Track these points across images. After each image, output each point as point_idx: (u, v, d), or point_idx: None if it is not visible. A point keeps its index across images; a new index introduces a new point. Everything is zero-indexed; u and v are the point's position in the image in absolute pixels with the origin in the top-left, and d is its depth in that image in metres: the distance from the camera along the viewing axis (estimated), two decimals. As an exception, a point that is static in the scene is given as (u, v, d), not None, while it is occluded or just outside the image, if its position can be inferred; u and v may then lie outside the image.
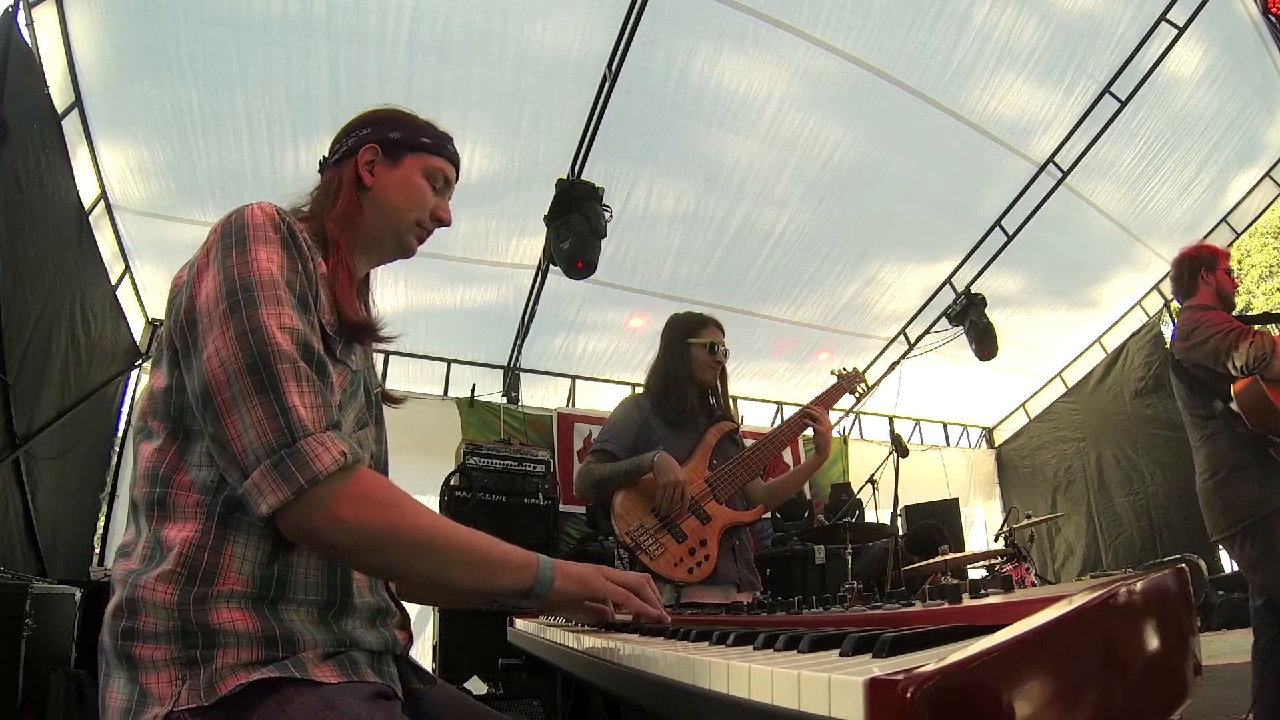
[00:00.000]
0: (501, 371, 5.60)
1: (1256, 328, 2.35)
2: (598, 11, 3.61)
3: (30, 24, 2.91)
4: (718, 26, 3.79)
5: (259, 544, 0.86)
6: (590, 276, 4.12)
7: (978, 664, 0.39)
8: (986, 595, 0.65)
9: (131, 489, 0.92)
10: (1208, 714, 2.67)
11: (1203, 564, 4.97)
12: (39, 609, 2.33)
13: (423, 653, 4.25)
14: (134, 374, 4.48)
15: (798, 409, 2.35)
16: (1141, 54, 4.40)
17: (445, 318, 5.12)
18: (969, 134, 4.63)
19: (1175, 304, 6.26)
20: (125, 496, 4.35)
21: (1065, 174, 4.95)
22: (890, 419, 6.78)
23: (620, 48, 3.68)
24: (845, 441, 6.66)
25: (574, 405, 5.84)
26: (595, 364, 5.85)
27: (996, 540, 4.54)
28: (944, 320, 5.80)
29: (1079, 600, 0.46)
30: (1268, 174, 5.67)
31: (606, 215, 3.95)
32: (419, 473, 4.43)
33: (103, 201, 3.84)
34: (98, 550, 4.29)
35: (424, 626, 4.31)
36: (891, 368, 6.28)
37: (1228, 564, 5.43)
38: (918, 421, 7.39)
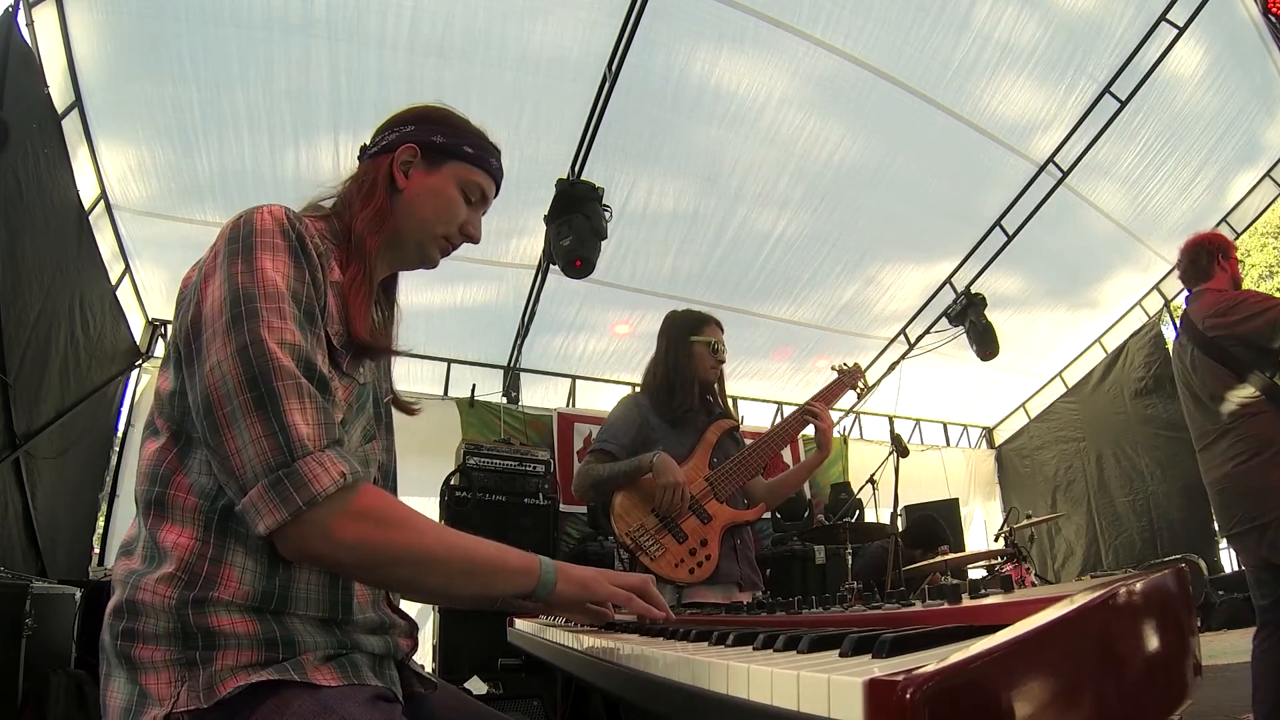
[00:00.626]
0: (501, 371, 5.60)
1: None
2: (598, 11, 3.61)
3: (30, 24, 2.91)
4: (718, 26, 3.79)
5: (258, 556, 0.85)
6: (590, 276, 4.11)
7: (978, 664, 0.39)
8: (986, 595, 0.65)
9: (135, 486, 0.91)
10: (1208, 714, 2.67)
11: (1203, 564, 4.98)
12: (39, 609, 2.33)
13: (423, 653, 4.25)
14: (134, 374, 4.48)
15: (798, 407, 2.34)
16: (1141, 54, 4.40)
17: (445, 317, 5.12)
18: (969, 134, 4.63)
19: (1168, 299, 6.29)
20: (125, 496, 4.35)
21: (1065, 174, 4.95)
22: (890, 419, 6.78)
23: (620, 48, 3.68)
24: (845, 441, 6.66)
25: (574, 405, 5.84)
26: (595, 364, 5.85)
27: (996, 540, 4.53)
28: (944, 320, 5.79)
29: (1079, 600, 0.46)
30: (1268, 174, 5.66)
31: (607, 215, 3.95)
32: (419, 473, 4.43)
33: (103, 201, 3.84)
34: (97, 550, 4.29)
35: (424, 626, 4.31)
36: (891, 368, 6.28)
37: (1228, 564, 5.43)
38: (918, 421, 7.39)
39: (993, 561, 4.18)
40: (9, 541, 2.97)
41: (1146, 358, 6.25)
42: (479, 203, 1.11)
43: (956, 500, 6.21)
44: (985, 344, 5.47)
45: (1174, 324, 6.14)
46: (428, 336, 5.17)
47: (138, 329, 4.51)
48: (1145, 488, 6.14)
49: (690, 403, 2.21)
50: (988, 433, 7.87)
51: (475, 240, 1.12)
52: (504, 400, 5.52)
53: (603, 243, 3.96)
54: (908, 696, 0.37)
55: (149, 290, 4.52)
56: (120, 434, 4.42)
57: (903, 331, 6.23)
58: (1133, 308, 6.51)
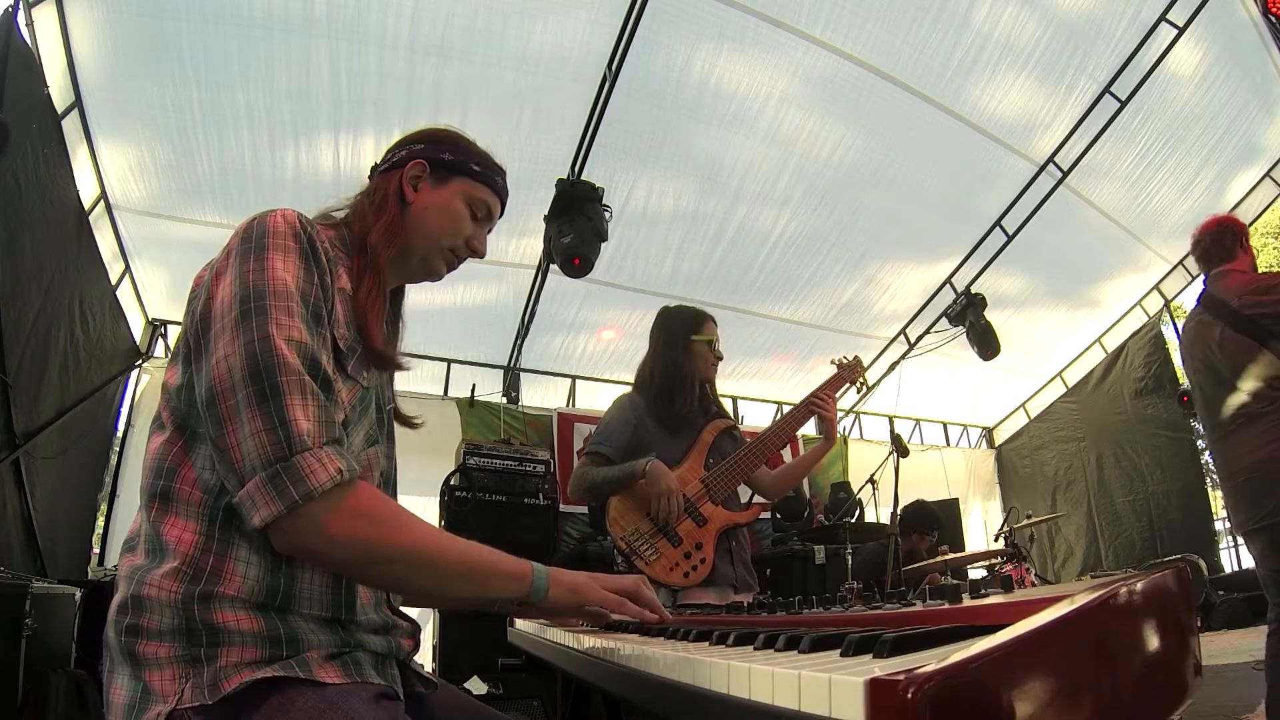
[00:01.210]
0: (501, 371, 5.60)
1: None
2: (598, 11, 3.61)
3: (30, 24, 2.91)
4: (717, 26, 3.79)
5: (262, 551, 0.86)
6: (590, 276, 4.11)
7: (978, 664, 0.39)
8: (987, 595, 0.65)
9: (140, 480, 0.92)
10: (1208, 714, 2.67)
11: (1203, 564, 4.98)
12: (39, 609, 2.33)
13: (423, 653, 4.24)
14: (134, 374, 4.48)
15: (802, 399, 2.32)
16: (1141, 54, 4.40)
17: (445, 317, 5.12)
18: (969, 134, 4.63)
19: (1168, 299, 6.29)
20: (125, 496, 4.35)
21: (1065, 174, 4.95)
22: (890, 419, 6.78)
23: (620, 47, 3.68)
24: (845, 441, 6.66)
25: (574, 405, 5.84)
26: (595, 364, 5.85)
27: (996, 540, 4.54)
28: (944, 320, 5.80)
29: (1079, 600, 0.46)
30: (1268, 174, 5.67)
31: (607, 215, 3.95)
32: (419, 473, 4.43)
33: (103, 201, 3.84)
34: (97, 550, 4.29)
35: (424, 626, 4.32)
36: (891, 368, 6.29)
37: (1228, 564, 5.43)
38: (918, 421, 7.39)
39: (993, 561, 4.18)
40: (8, 541, 2.97)
41: (1146, 358, 6.25)
42: (484, 219, 1.14)
43: (956, 500, 6.21)
44: (985, 344, 5.47)
45: (1174, 324, 6.14)
46: (427, 336, 5.17)
47: (138, 329, 4.50)
48: (1145, 488, 6.14)
49: (689, 403, 2.20)
50: (988, 433, 7.88)
51: (480, 255, 1.15)
52: (504, 400, 5.52)
53: (603, 243, 3.96)
54: (909, 696, 0.37)
55: (149, 290, 4.52)
56: (120, 434, 4.42)
57: (903, 331, 6.23)
58: (1133, 308, 6.51)
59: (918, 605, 0.71)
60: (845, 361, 2.43)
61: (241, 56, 3.42)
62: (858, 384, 2.44)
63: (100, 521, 4.34)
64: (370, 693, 0.86)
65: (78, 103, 3.37)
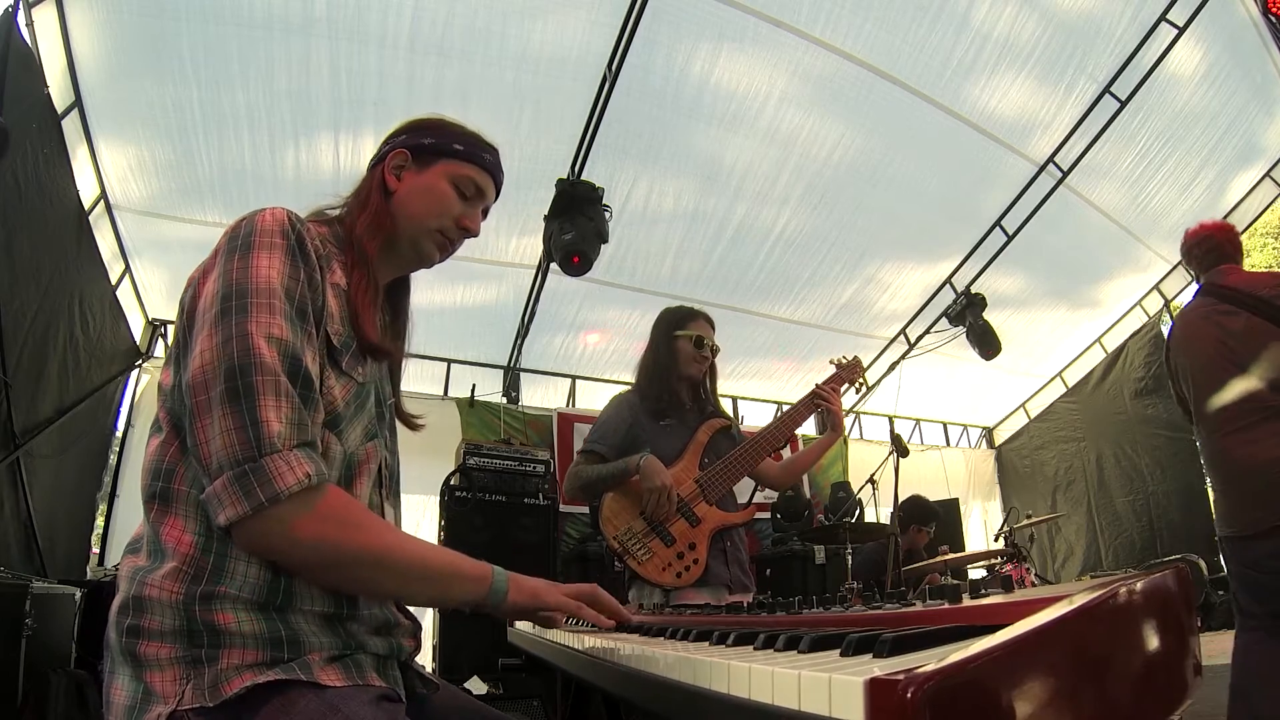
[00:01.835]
0: (501, 371, 5.60)
1: None
2: (598, 11, 3.61)
3: (30, 24, 2.91)
4: (717, 26, 3.79)
5: None
6: (590, 276, 4.11)
7: (978, 664, 0.39)
8: (986, 595, 0.65)
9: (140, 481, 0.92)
10: (1208, 714, 2.66)
11: (1203, 564, 4.97)
12: (39, 609, 2.33)
13: (423, 653, 4.24)
14: (133, 374, 4.48)
15: (806, 394, 2.32)
16: (1141, 54, 4.40)
17: (445, 317, 5.12)
18: (969, 134, 4.64)
19: (1168, 299, 6.28)
20: (125, 496, 4.35)
21: (1065, 174, 4.95)
22: (890, 419, 6.78)
23: (620, 47, 3.68)
24: (845, 441, 6.66)
25: (574, 405, 5.85)
26: (595, 364, 5.85)
27: (996, 540, 4.54)
28: (944, 320, 5.80)
29: (1079, 600, 0.46)
30: (1268, 174, 5.67)
31: (607, 216, 3.95)
32: (419, 473, 4.43)
33: (102, 201, 3.84)
34: (96, 550, 4.29)
35: (424, 626, 4.31)
36: (891, 368, 6.29)
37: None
38: (918, 421, 7.39)
39: (993, 561, 4.18)
40: (8, 541, 2.97)
41: (1146, 358, 6.25)
42: (475, 197, 1.12)
43: (956, 500, 6.21)
44: (986, 344, 5.47)
45: (1171, 318, 6.13)
46: (427, 336, 5.17)
47: (138, 329, 4.50)
48: (1145, 488, 6.14)
49: (676, 398, 2.20)
50: (988, 433, 7.88)
51: (473, 233, 1.13)
52: (504, 400, 5.53)
53: (603, 244, 3.97)
54: (909, 695, 0.37)
55: (149, 290, 4.52)
56: (120, 434, 4.42)
57: (903, 331, 6.23)
58: (1133, 308, 6.52)
59: (917, 605, 0.71)
60: (844, 361, 2.44)
61: (242, 56, 3.42)
62: (857, 384, 2.44)
63: (100, 521, 4.34)
64: (371, 695, 0.86)
65: (78, 103, 3.37)
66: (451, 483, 4.37)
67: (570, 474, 2.17)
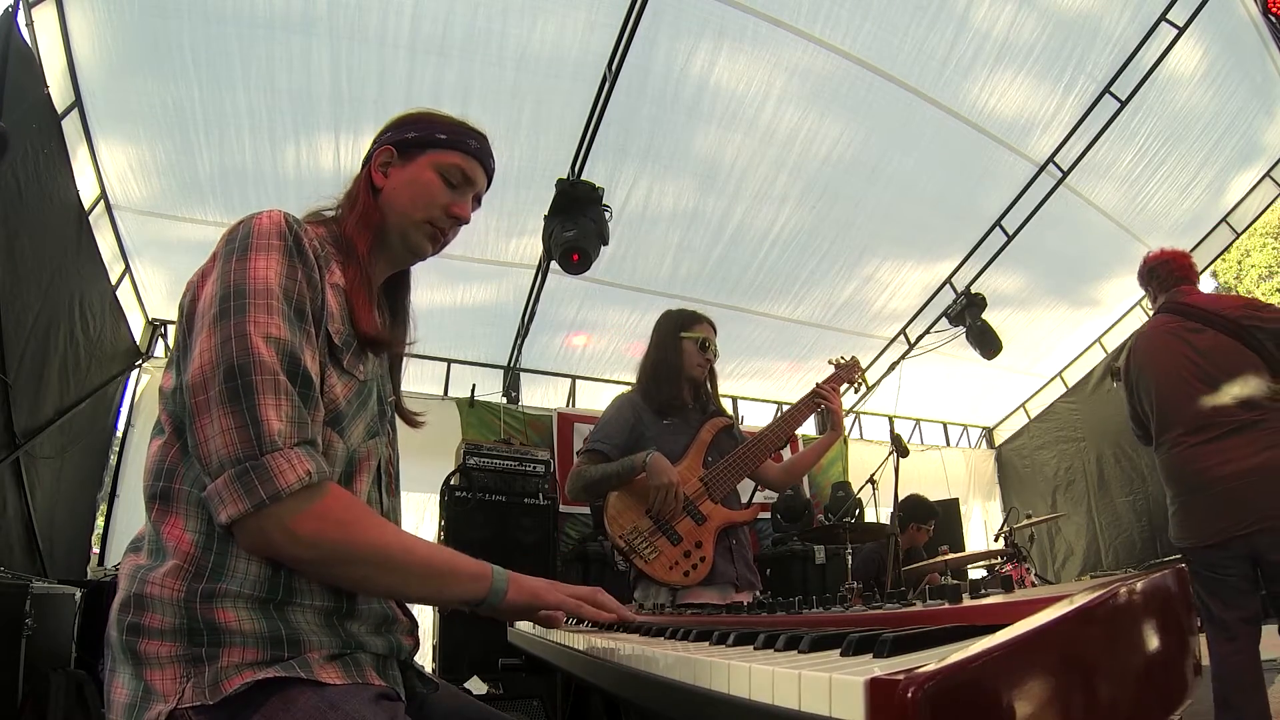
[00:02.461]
0: (501, 371, 5.60)
1: None
2: (597, 11, 3.61)
3: (30, 24, 2.91)
4: (717, 25, 3.79)
5: None
6: (590, 275, 4.11)
7: (978, 664, 0.39)
8: (987, 595, 0.65)
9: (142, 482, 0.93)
10: (1208, 714, 2.66)
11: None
12: (39, 609, 2.33)
13: (423, 653, 4.24)
14: (134, 374, 4.48)
15: (807, 392, 2.34)
16: (1141, 54, 4.40)
17: (445, 317, 5.12)
18: (968, 133, 4.63)
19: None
20: (125, 496, 4.35)
21: (1065, 174, 4.95)
22: (890, 419, 6.78)
23: (620, 47, 3.68)
24: (845, 441, 6.66)
25: (574, 405, 5.85)
26: (595, 364, 5.85)
27: (996, 540, 4.54)
28: (944, 320, 5.80)
29: (1079, 600, 0.46)
30: (1268, 174, 5.67)
31: (607, 216, 3.95)
32: (419, 473, 4.43)
33: (103, 201, 3.84)
34: (96, 550, 4.29)
35: (424, 626, 4.31)
36: (891, 368, 6.28)
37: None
38: (918, 421, 7.39)
39: (993, 561, 4.19)
40: (8, 541, 2.97)
41: (1146, 357, 6.23)
42: (463, 184, 1.12)
43: (956, 500, 6.21)
44: (986, 343, 5.47)
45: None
46: (427, 336, 5.17)
47: (138, 329, 4.50)
48: (1145, 488, 6.14)
49: (679, 398, 2.21)
50: (988, 433, 7.88)
51: (463, 220, 1.12)
52: (504, 400, 5.52)
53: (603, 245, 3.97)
54: (909, 695, 0.37)
55: (149, 290, 4.52)
56: (120, 434, 4.41)
57: (903, 331, 6.23)
58: (1133, 308, 6.51)
59: (918, 605, 0.71)
60: (843, 362, 2.45)
61: (242, 56, 3.42)
62: (855, 384, 2.45)
63: (100, 521, 4.33)
64: (371, 693, 0.86)
65: (78, 103, 3.37)
66: (451, 483, 4.37)
67: (574, 475, 2.17)
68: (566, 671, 1.22)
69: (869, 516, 5.20)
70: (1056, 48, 4.32)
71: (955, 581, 0.73)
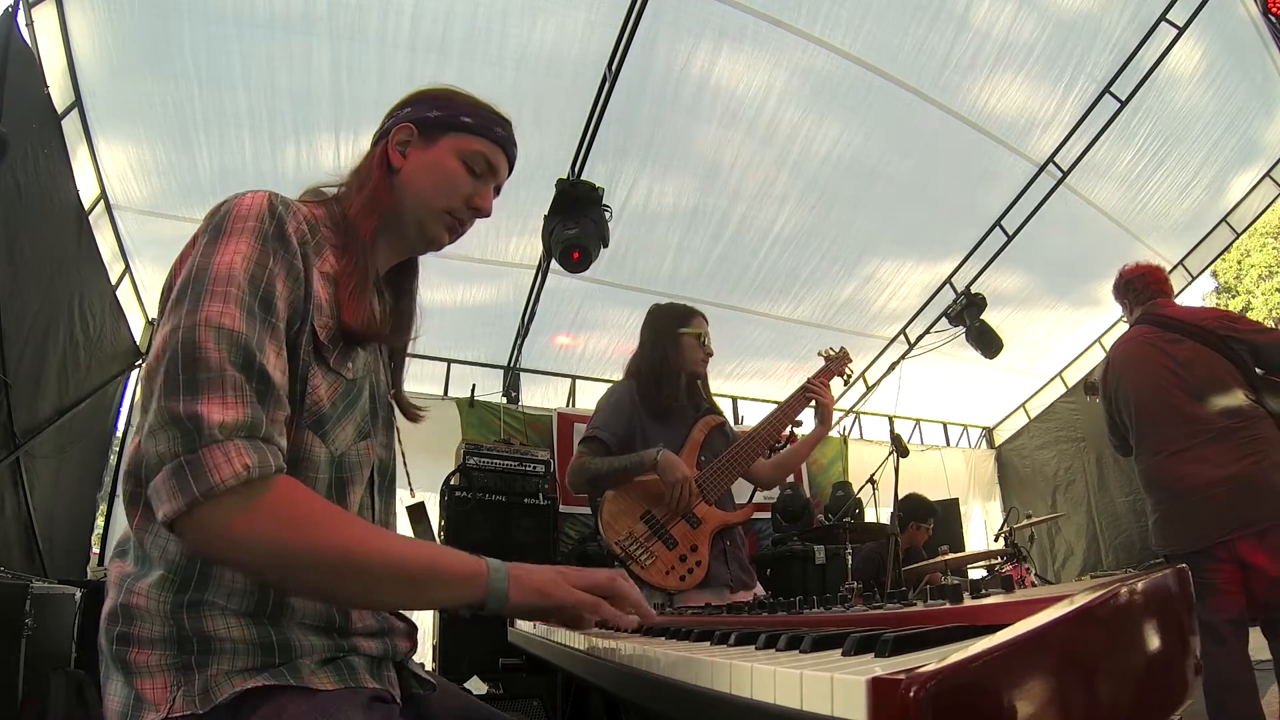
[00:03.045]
0: (501, 371, 5.60)
1: None
2: (597, 11, 3.61)
3: (30, 24, 2.91)
4: (717, 25, 3.79)
5: None
6: (590, 275, 4.11)
7: (979, 664, 0.39)
8: (987, 595, 0.65)
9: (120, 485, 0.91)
10: (1206, 715, 2.66)
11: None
12: (39, 609, 2.33)
13: (423, 653, 4.25)
14: (133, 374, 4.47)
15: (797, 389, 2.32)
16: (1141, 54, 4.40)
17: (445, 317, 5.12)
18: (968, 133, 4.64)
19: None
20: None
21: (1065, 174, 4.95)
22: (890, 419, 6.78)
23: (620, 47, 3.68)
24: (845, 441, 6.65)
25: (574, 405, 5.85)
26: (595, 364, 5.85)
27: (996, 540, 4.54)
28: (944, 320, 5.80)
29: (1079, 600, 0.46)
30: (1267, 174, 5.66)
31: (608, 216, 3.96)
32: (419, 473, 4.41)
33: (102, 201, 3.84)
34: (96, 550, 4.29)
35: (423, 627, 4.31)
36: (891, 368, 6.28)
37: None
38: (918, 421, 7.39)
39: (993, 561, 4.19)
40: (8, 541, 2.97)
41: (1146, 357, 6.23)
42: (486, 174, 1.05)
43: (956, 500, 6.21)
44: (986, 344, 5.48)
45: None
46: (427, 336, 5.14)
47: (138, 329, 4.50)
48: (1145, 488, 6.13)
49: (676, 395, 2.19)
50: (988, 433, 7.88)
51: (484, 213, 1.06)
52: (504, 400, 5.52)
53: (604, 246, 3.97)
54: (911, 695, 0.37)
55: (149, 290, 4.52)
56: (120, 434, 4.41)
57: (903, 331, 6.23)
58: (1132, 308, 6.51)
59: (918, 605, 0.71)
60: (832, 354, 2.43)
61: (242, 56, 3.42)
62: (845, 375, 2.44)
63: (100, 521, 4.33)
64: (364, 698, 0.84)
65: (78, 102, 3.37)
66: (451, 482, 4.37)
67: (575, 468, 2.13)
68: (567, 671, 1.22)
69: (869, 516, 5.21)
70: (1056, 48, 4.32)
71: (956, 581, 0.73)
